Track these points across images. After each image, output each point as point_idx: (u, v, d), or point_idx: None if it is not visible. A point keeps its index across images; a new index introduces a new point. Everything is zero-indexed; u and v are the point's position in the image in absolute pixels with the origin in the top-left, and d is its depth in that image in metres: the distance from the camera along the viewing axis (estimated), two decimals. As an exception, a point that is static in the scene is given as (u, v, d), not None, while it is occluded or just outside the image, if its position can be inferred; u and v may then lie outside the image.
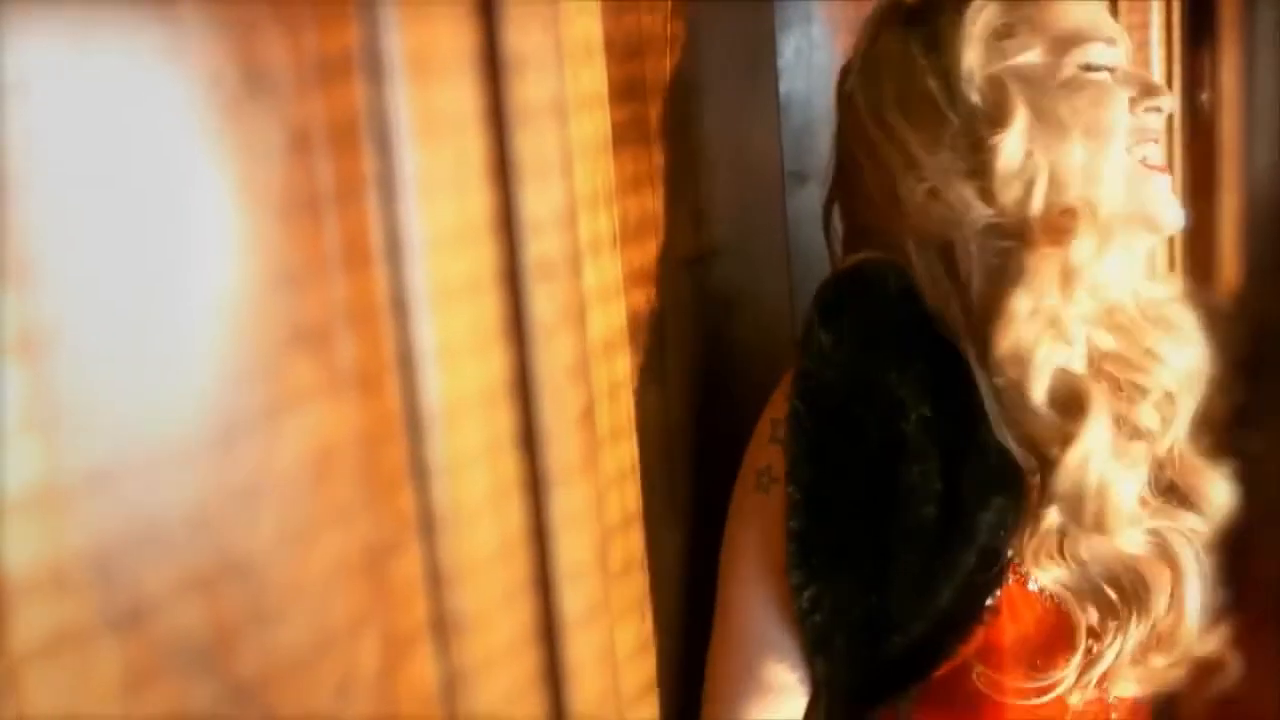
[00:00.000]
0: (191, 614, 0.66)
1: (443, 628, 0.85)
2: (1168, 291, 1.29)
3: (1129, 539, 1.17)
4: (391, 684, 0.81)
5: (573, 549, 0.95)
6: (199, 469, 0.67)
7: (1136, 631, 1.14)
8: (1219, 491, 1.26)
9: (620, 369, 1.04)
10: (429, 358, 0.82)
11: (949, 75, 1.14)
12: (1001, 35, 1.15)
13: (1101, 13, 1.23)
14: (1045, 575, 1.14)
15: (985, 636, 1.12)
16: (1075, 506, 1.12)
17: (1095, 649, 1.14)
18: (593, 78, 0.98)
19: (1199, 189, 3.41)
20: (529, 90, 0.88)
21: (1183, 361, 1.23)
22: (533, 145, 0.88)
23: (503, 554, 0.91)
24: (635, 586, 1.08)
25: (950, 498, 1.09)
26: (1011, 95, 1.12)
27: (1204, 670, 1.23)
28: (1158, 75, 2.50)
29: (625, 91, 1.03)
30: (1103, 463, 1.12)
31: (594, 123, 0.98)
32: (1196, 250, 3.43)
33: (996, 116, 1.13)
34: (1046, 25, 1.17)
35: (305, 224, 0.75)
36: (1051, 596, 1.14)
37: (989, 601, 1.12)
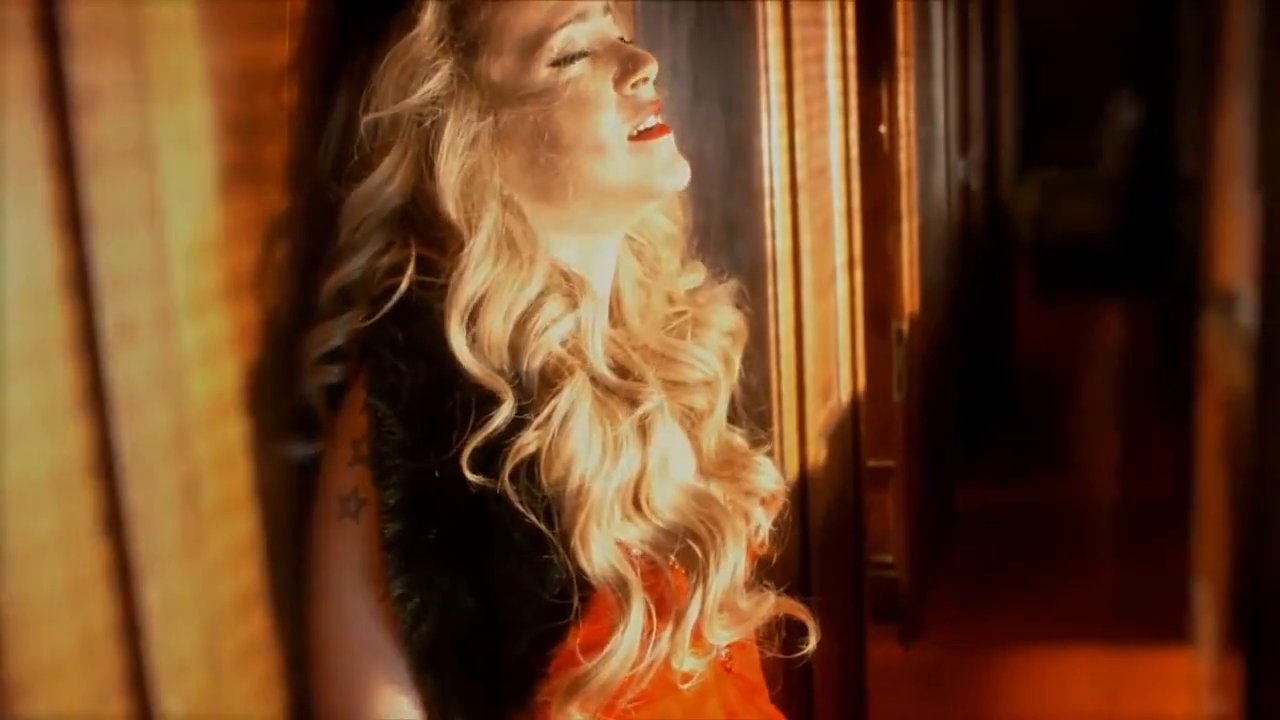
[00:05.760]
0: None
1: (8, 746, 0.74)
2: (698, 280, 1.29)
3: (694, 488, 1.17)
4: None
5: (173, 641, 0.85)
6: None
7: (718, 576, 1.10)
8: (761, 469, 1.27)
9: (233, 435, 0.94)
10: (-20, 439, 0.71)
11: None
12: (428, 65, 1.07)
13: None
14: (627, 533, 1.08)
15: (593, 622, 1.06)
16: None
17: (680, 606, 1.09)
18: (194, 113, 0.88)
19: (879, 216, 3.52)
20: (105, 129, 0.77)
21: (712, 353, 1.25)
22: (111, 191, 0.77)
23: (84, 655, 0.79)
24: (258, 674, 0.98)
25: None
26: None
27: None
28: (834, 108, 2.53)
29: (239, 128, 0.93)
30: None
31: (195, 163, 0.88)
32: (879, 274, 3.54)
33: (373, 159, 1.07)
34: (508, 27, 1.10)
35: None
36: (645, 558, 1.09)
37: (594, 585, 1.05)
